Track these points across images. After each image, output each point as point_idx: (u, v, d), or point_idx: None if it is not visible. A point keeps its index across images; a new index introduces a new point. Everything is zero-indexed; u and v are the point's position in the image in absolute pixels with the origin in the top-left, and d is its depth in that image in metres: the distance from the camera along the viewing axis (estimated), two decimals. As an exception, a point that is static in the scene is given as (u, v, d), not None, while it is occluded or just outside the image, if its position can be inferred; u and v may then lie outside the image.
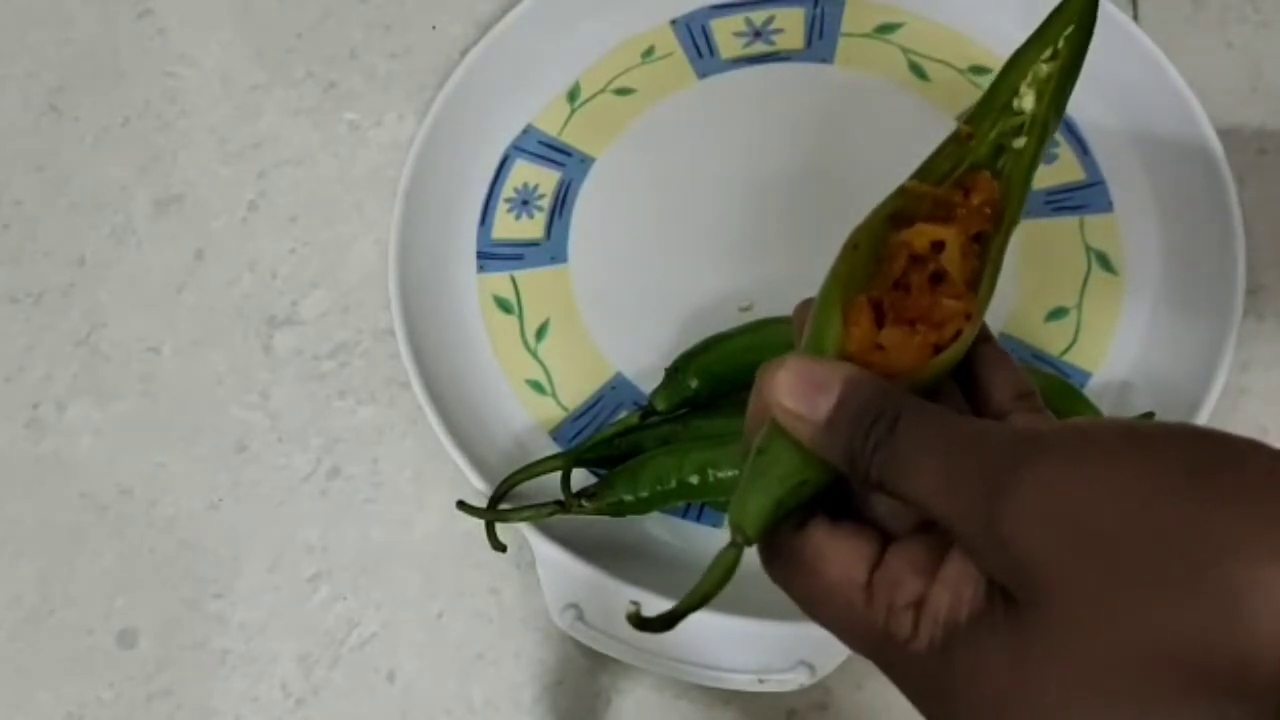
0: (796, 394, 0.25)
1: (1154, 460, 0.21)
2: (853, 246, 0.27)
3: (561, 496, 0.43)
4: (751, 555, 0.44)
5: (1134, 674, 0.20)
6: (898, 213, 0.27)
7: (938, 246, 0.26)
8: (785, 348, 0.27)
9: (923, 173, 0.28)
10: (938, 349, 0.26)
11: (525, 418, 0.48)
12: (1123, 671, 0.20)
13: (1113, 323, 0.48)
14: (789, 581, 0.26)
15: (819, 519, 0.26)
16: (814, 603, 0.26)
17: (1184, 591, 0.19)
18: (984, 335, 0.28)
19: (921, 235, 0.27)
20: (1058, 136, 0.50)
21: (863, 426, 0.24)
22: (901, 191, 0.27)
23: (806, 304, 0.28)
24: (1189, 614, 0.19)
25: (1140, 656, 0.20)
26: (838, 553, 0.25)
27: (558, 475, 0.44)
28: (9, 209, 0.54)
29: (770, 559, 0.27)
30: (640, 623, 0.26)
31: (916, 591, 0.24)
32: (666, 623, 0.26)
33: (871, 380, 0.25)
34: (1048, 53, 0.27)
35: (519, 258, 0.50)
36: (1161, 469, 0.21)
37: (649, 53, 0.54)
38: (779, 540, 0.26)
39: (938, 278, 0.26)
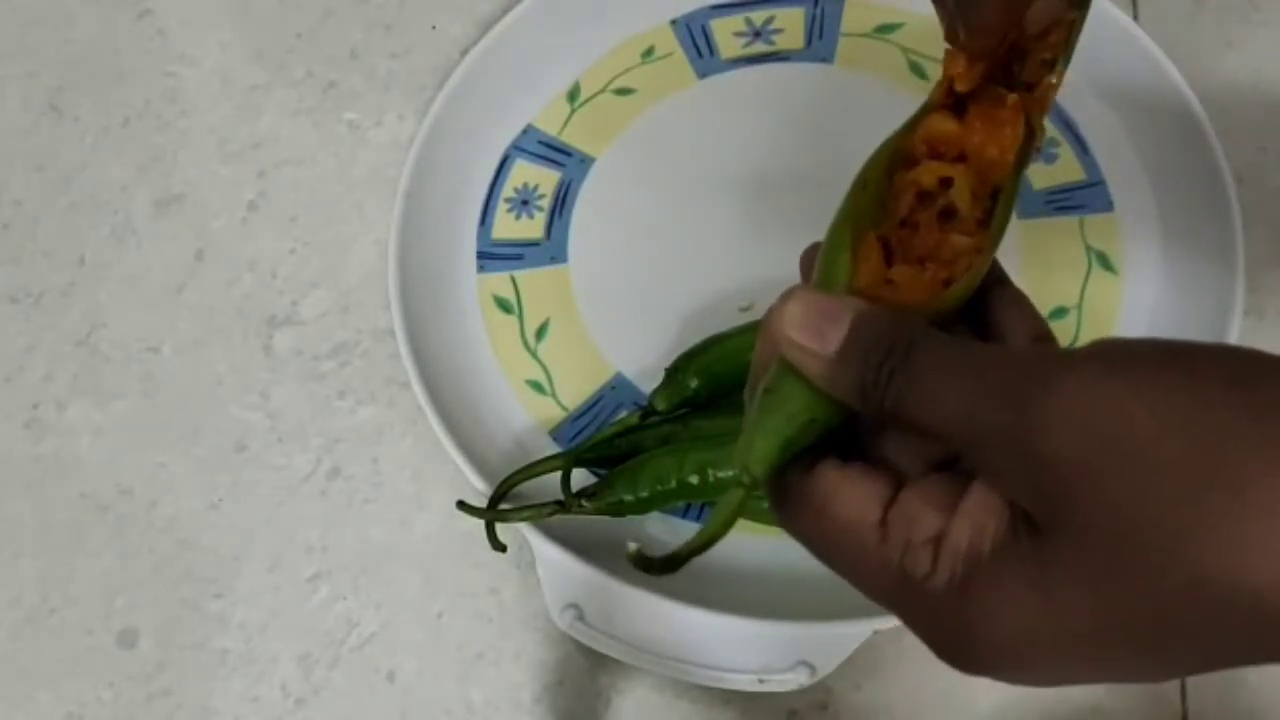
0: (806, 327, 0.24)
1: (1193, 373, 0.20)
2: (862, 186, 0.26)
3: (561, 496, 0.43)
4: (752, 554, 0.44)
5: (1170, 595, 0.19)
6: (905, 153, 0.27)
7: (946, 183, 0.26)
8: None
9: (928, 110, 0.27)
10: (949, 285, 0.25)
11: (525, 418, 0.48)
12: (1158, 593, 0.19)
13: (1113, 323, 0.48)
14: (798, 524, 0.25)
15: (829, 460, 0.25)
16: (825, 545, 0.25)
17: (1227, 505, 0.18)
18: (1000, 277, 0.27)
19: (929, 172, 0.26)
20: (1058, 136, 0.50)
21: (875, 357, 0.23)
22: (911, 124, 0.27)
23: (814, 248, 0.28)
24: (1231, 529, 0.18)
25: (1178, 575, 0.19)
26: (849, 492, 0.24)
27: (558, 475, 0.44)
28: (9, 209, 0.54)
29: (779, 502, 0.26)
30: (643, 563, 0.25)
31: (935, 527, 0.23)
32: (669, 565, 0.25)
33: (883, 311, 0.24)
34: None
35: (519, 258, 0.50)
36: (1201, 382, 0.20)
37: (649, 53, 0.54)
38: (788, 482, 0.25)
39: (948, 215, 0.26)
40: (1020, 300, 0.27)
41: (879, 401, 0.23)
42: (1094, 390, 0.20)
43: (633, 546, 0.25)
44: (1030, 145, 0.27)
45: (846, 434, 0.26)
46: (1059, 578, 0.20)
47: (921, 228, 0.26)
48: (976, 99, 0.27)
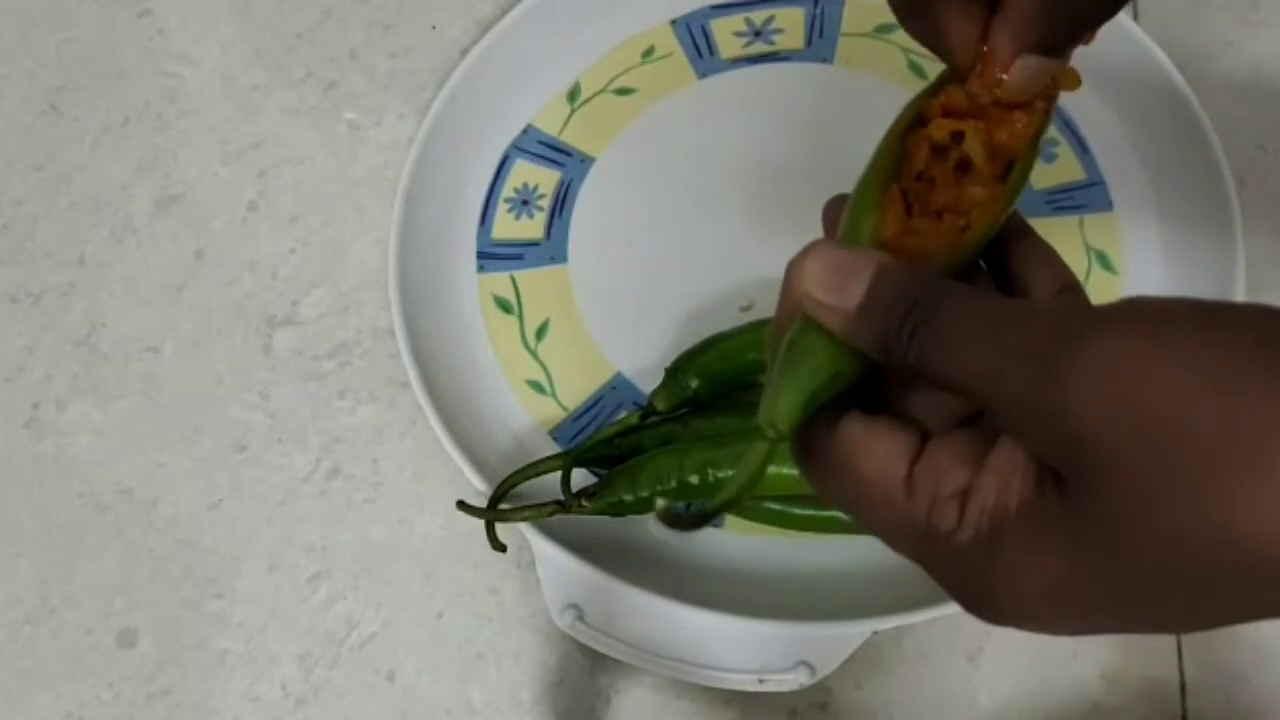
0: (826, 283, 0.24)
1: (1222, 333, 0.19)
2: (887, 144, 0.27)
3: (561, 496, 0.43)
4: (752, 554, 0.44)
5: (1195, 556, 0.19)
6: (924, 115, 0.27)
7: (958, 137, 0.26)
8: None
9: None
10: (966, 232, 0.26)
11: (525, 418, 0.48)
12: (1183, 552, 0.19)
13: (1113, 322, 0.47)
14: (824, 480, 0.25)
15: (854, 414, 0.25)
16: (851, 500, 0.25)
17: (1254, 469, 0.18)
18: (1023, 229, 0.27)
19: (941, 128, 0.26)
20: (1058, 135, 0.50)
21: (898, 312, 0.23)
22: (933, 88, 0.27)
23: (836, 200, 0.28)
24: (1259, 493, 0.18)
25: (1203, 536, 0.19)
26: (875, 447, 0.24)
27: (558, 475, 0.44)
28: (9, 209, 0.54)
29: (805, 458, 0.26)
30: (671, 520, 0.25)
31: (961, 481, 0.23)
32: (697, 521, 0.25)
33: (905, 266, 0.24)
34: None
35: (519, 257, 0.50)
36: (1230, 342, 0.19)
37: (649, 53, 0.54)
38: (813, 437, 0.25)
39: (964, 168, 0.26)
40: (1046, 252, 0.27)
41: (902, 356, 0.23)
42: (1121, 351, 0.20)
43: (661, 503, 0.25)
44: (1048, 118, 0.27)
45: (872, 388, 0.26)
46: (1084, 536, 0.20)
47: (938, 181, 0.26)
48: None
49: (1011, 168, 0.26)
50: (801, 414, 0.25)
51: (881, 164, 0.27)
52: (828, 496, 0.25)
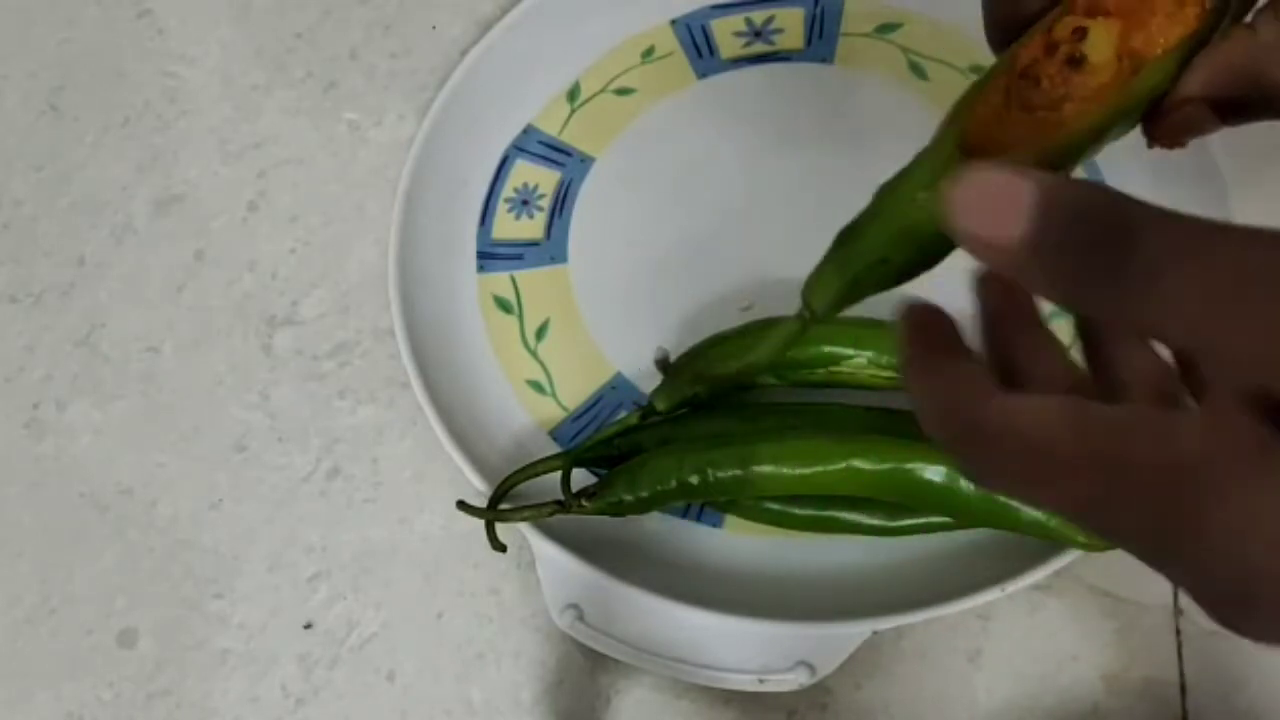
0: (977, 213, 0.19)
1: None
2: (977, 82, 0.25)
3: (561, 496, 0.43)
4: (752, 554, 0.44)
5: None
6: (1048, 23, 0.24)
7: (1080, 34, 0.24)
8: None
9: None
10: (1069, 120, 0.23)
11: (525, 418, 0.48)
12: None
13: (1113, 323, 0.47)
14: (1001, 468, 0.21)
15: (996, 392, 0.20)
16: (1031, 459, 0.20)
17: None
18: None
19: (1065, 25, 0.24)
20: (1058, 136, 0.50)
21: (1081, 252, 0.18)
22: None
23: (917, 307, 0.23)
24: None
25: None
26: (1035, 400, 0.20)
27: (558, 475, 0.44)
28: (9, 209, 0.54)
29: (969, 455, 0.21)
30: (666, 368, 0.24)
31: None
32: (708, 384, 0.24)
33: (1077, 185, 0.18)
34: None
35: (519, 257, 0.50)
36: None
37: (649, 53, 0.54)
38: (971, 428, 0.20)
39: (1076, 63, 0.24)
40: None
41: (1098, 308, 0.18)
42: None
43: (659, 351, 0.24)
44: (1206, 27, 0.24)
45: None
46: None
47: (1043, 81, 0.24)
48: None
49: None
50: (837, 297, 0.23)
51: (983, 80, 0.24)
52: (1001, 478, 0.21)
